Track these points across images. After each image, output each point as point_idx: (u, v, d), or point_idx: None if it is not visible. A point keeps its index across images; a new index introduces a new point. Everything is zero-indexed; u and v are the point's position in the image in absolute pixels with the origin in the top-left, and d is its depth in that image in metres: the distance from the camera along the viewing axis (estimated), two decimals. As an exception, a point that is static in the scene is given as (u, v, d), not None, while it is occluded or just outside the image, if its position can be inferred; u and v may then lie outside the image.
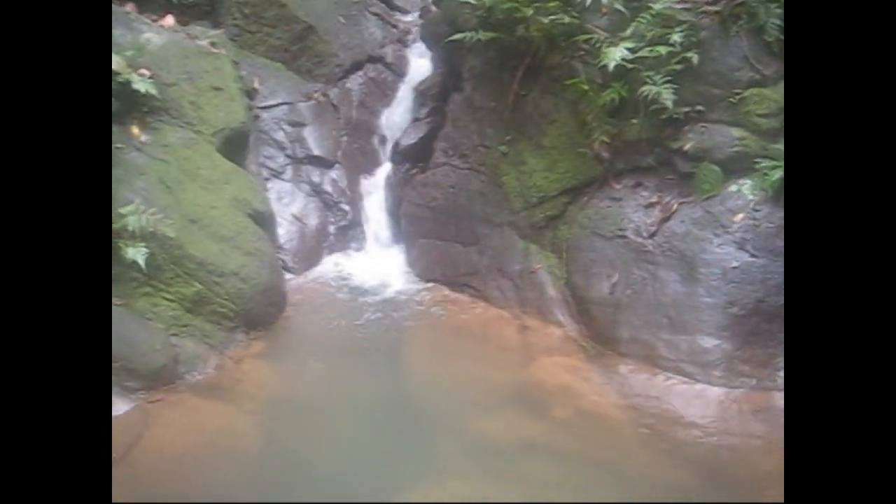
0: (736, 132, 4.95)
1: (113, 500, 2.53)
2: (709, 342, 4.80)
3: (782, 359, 4.68)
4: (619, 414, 4.60)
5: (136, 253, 4.63)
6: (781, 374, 4.67)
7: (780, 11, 4.78)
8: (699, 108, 5.04)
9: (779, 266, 4.70)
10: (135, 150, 5.29)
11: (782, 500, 3.79)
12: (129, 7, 6.08)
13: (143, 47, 5.63)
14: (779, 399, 4.57)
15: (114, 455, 3.98)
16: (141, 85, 5.28)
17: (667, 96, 4.90)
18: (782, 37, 4.78)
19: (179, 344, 4.92)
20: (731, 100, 4.95)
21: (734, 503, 3.67)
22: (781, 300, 4.69)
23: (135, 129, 5.39)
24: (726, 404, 4.62)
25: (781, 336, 4.67)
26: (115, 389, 4.47)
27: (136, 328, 4.73)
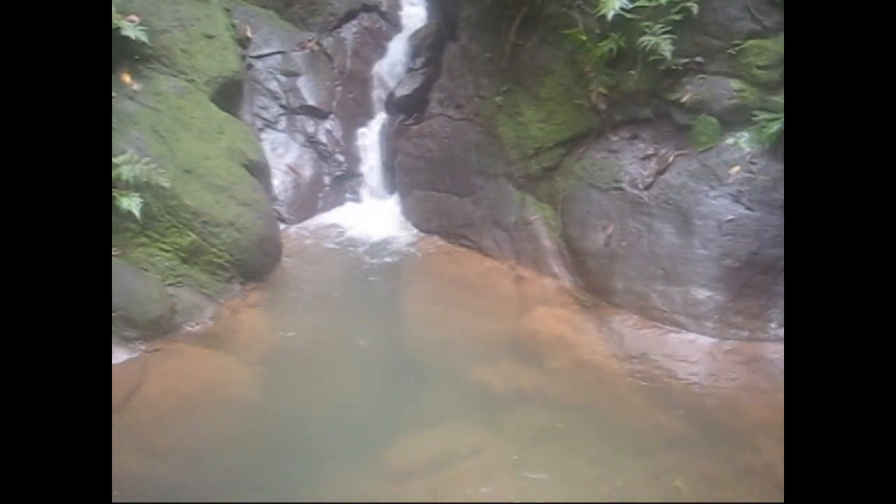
0: (735, 84, 4.91)
1: (112, 446, 2.56)
2: (702, 294, 4.85)
3: (775, 311, 4.74)
4: (613, 364, 4.66)
5: (130, 203, 4.61)
6: (773, 325, 4.73)
7: (782, -40, 4.71)
8: (698, 59, 4.99)
9: (774, 219, 4.72)
10: (127, 98, 5.22)
11: (771, 448, 3.89)
12: (118, -49, 5.94)
13: (132, -7, 5.52)
14: (770, 350, 4.63)
15: (113, 403, 4.02)
16: (131, 31, 5.18)
17: (665, 47, 4.85)
18: (784, -14, 4.72)
19: (176, 294, 4.93)
20: (730, 51, 4.89)
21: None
22: (775, 253, 4.72)
23: (126, 78, 5.32)
24: (718, 355, 4.68)
25: (775, 288, 4.72)
26: (113, 339, 4.50)
27: (132, 278, 4.73)
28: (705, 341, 4.76)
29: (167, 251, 5.01)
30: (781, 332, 4.68)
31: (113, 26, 5.07)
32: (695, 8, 4.81)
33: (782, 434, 4.00)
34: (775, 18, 4.80)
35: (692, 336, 4.80)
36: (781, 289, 4.70)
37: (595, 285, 5.28)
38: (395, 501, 3.67)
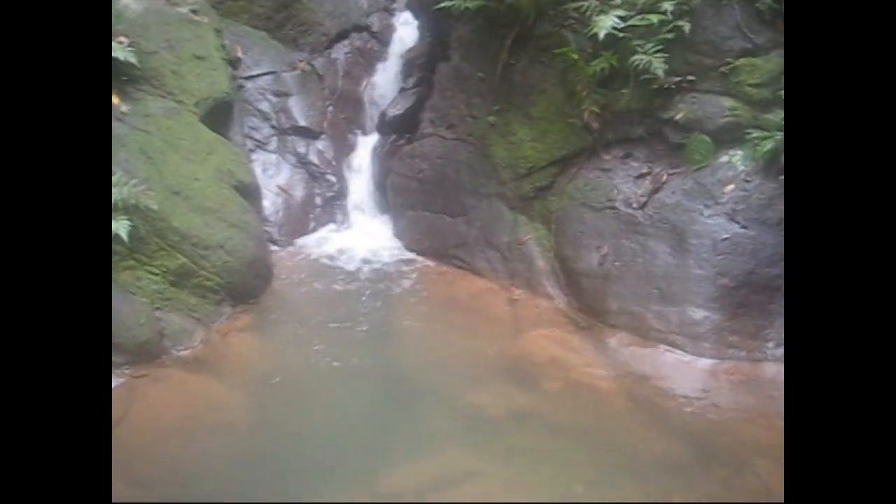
0: (727, 102, 4.90)
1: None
2: (698, 313, 4.80)
3: (771, 330, 4.70)
4: (609, 385, 4.60)
5: (118, 226, 4.53)
6: (770, 345, 4.68)
7: (772, -21, 4.72)
8: (690, 77, 4.98)
9: (769, 237, 4.69)
10: (115, 120, 5.17)
11: (770, 471, 3.83)
12: (107, -28, 5.91)
13: (121, 14, 5.48)
14: (767, 371, 4.59)
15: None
16: (120, 52, 5.15)
17: (658, 66, 4.84)
18: (775, 5, 4.72)
19: (164, 318, 4.85)
20: (722, 69, 4.89)
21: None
22: (771, 272, 4.69)
23: (115, 99, 5.27)
24: (715, 375, 4.63)
25: (771, 308, 4.69)
26: (99, 364, 4.41)
27: (120, 302, 4.64)
28: (702, 362, 4.71)
29: (155, 274, 4.94)
30: (779, 351, 4.64)
31: (101, 48, 5.03)
32: (686, 27, 4.81)
33: (782, 456, 3.95)
34: (766, 37, 4.82)
35: (689, 356, 4.75)
36: (778, 308, 4.67)
37: (590, 306, 5.23)
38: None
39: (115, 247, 4.70)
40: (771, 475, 3.80)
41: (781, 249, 4.63)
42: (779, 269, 4.66)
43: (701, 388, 4.55)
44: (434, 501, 3.68)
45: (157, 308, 4.86)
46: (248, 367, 4.84)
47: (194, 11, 6.14)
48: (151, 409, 4.33)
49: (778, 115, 4.75)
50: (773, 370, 4.54)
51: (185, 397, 4.48)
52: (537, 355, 4.88)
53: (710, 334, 4.75)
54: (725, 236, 4.82)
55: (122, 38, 5.31)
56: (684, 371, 4.68)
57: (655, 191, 5.13)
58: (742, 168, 4.87)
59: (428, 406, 4.52)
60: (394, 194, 6.49)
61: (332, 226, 6.63)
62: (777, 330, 4.67)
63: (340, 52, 7.23)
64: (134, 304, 4.73)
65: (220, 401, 4.51)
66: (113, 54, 5.09)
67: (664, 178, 5.13)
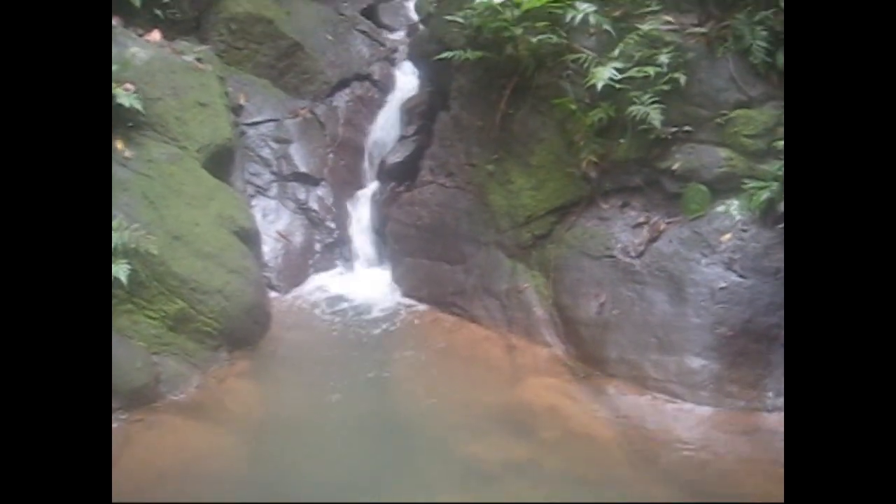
0: (723, 152, 4.98)
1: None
2: (697, 363, 4.78)
3: (770, 380, 4.68)
4: (607, 435, 4.56)
5: (118, 270, 4.54)
6: (769, 395, 4.66)
7: (765, 34, 4.84)
8: (687, 128, 5.06)
9: (767, 286, 4.71)
10: (118, 165, 5.22)
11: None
12: (115, 21, 6.02)
13: (128, 62, 5.57)
14: (767, 420, 4.56)
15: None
16: (125, 99, 5.22)
17: (654, 116, 4.92)
18: (768, 59, 4.84)
19: (161, 362, 4.83)
20: (718, 120, 4.98)
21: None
22: (769, 321, 4.70)
23: (119, 144, 5.33)
24: (714, 425, 4.59)
25: (769, 357, 4.68)
26: (94, 409, 4.37)
27: (116, 347, 4.60)
28: (701, 411, 4.68)
29: (153, 318, 4.93)
30: (778, 401, 4.61)
31: (106, 94, 5.11)
32: (682, 79, 4.91)
33: (783, 508, 3.93)
34: (760, 89, 4.92)
35: (688, 406, 4.72)
36: (776, 357, 4.66)
37: (588, 354, 5.21)
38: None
39: (114, 290, 4.70)
40: (772, 527, 3.74)
41: (778, 298, 4.65)
42: (776, 319, 4.67)
43: (700, 438, 4.51)
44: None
45: (154, 352, 4.84)
46: (244, 413, 4.80)
47: (199, 59, 6.25)
48: (144, 455, 4.28)
49: (773, 166, 4.82)
50: (773, 420, 4.51)
51: (179, 443, 4.44)
52: (535, 404, 4.85)
53: (709, 383, 4.73)
54: (723, 285, 4.83)
55: (129, 86, 5.38)
56: (683, 420, 4.65)
57: (653, 240, 5.17)
58: (738, 217, 4.91)
59: (425, 456, 4.48)
60: (393, 241, 6.51)
61: (331, 272, 6.63)
62: (776, 380, 4.65)
63: (342, 100, 7.33)
64: (131, 349, 4.72)
65: (214, 447, 4.47)
66: (119, 101, 5.16)
67: (662, 227, 5.17)
